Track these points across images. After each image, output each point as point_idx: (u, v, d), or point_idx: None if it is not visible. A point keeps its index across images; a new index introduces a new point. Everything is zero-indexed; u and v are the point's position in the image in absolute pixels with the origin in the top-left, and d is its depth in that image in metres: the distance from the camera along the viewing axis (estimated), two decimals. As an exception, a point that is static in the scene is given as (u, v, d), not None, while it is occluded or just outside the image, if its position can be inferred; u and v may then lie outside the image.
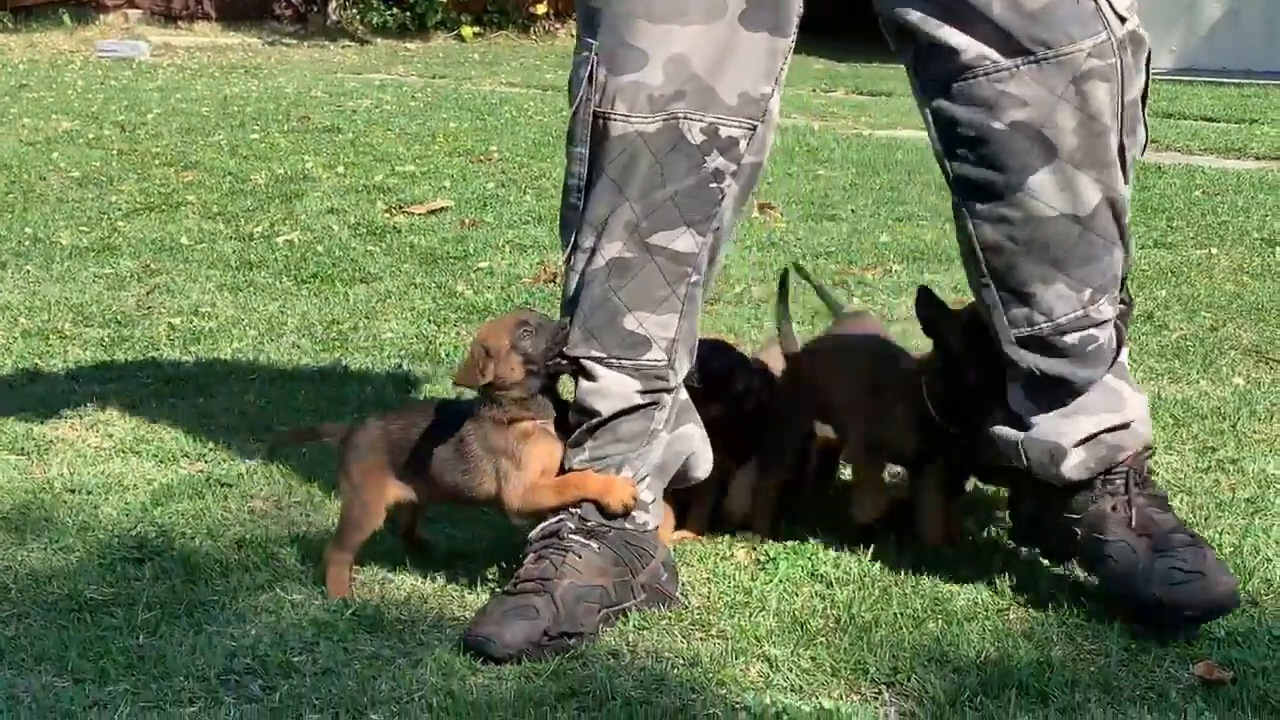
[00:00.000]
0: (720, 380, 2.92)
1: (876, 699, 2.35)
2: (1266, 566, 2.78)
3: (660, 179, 2.55)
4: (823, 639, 2.53)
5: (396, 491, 2.75)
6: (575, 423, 2.68)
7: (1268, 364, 4.33)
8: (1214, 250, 5.85)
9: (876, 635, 2.51)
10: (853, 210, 6.82)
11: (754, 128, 2.59)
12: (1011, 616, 2.61)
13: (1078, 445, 2.58)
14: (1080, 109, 2.41)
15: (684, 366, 2.71)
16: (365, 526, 2.75)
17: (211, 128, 9.70)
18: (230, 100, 11.38)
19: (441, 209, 6.83)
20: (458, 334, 4.64)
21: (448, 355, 4.37)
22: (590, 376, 2.65)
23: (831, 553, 2.90)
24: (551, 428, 2.69)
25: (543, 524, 2.67)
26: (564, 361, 2.66)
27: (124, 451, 3.53)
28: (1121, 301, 2.62)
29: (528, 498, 2.66)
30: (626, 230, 2.58)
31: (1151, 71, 2.52)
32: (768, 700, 2.29)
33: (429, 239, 6.14)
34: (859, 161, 8.28)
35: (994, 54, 2.40)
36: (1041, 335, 2.55)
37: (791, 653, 2.48)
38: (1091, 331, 2.54)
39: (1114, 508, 2.58)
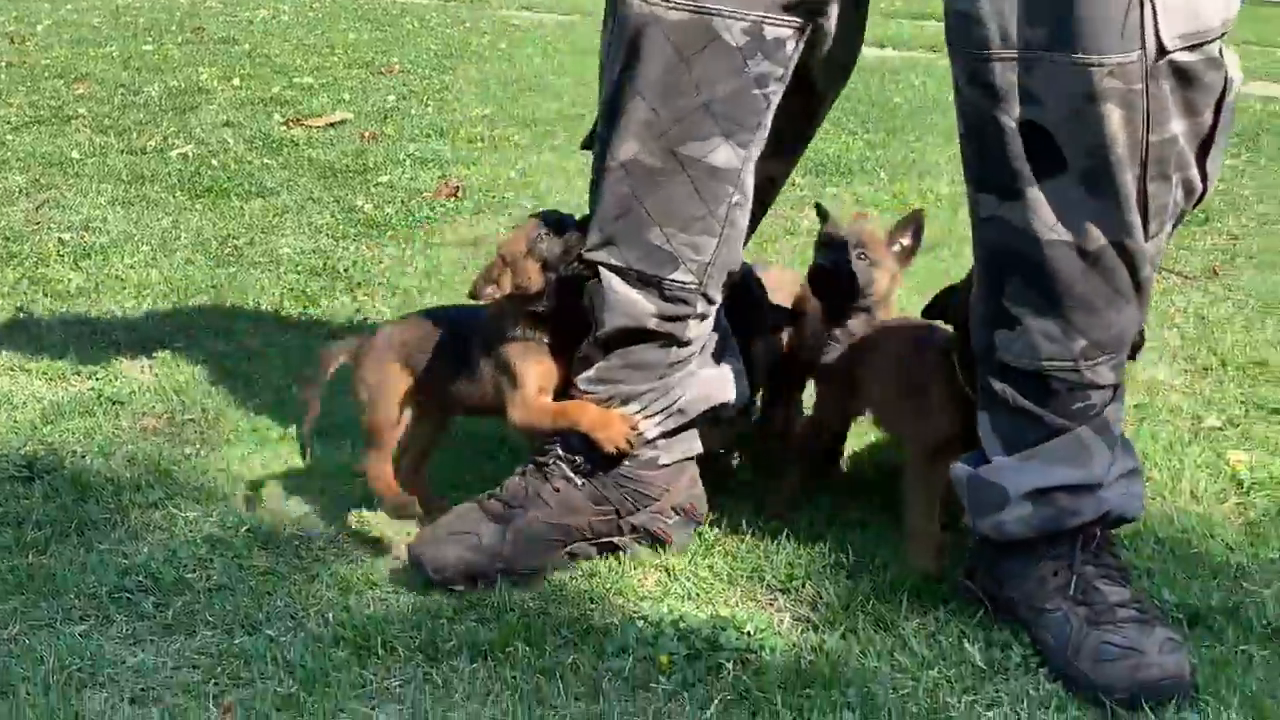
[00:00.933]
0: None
1: (772, 605, 2.38)
2: (1151, 469, 2.85)
3: (690, 82, 2.28)
4: (720, 548, 2.55)
5: (412, 396, 2.61)
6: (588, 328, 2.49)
7: (1160, 273, 4.40)
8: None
9: (773, 544, 2.54)
10: (756, 123, 6.79)
11: (803, 28, 2.31)
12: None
13: (1026, 496, 2.25)
14: (1092, 131, 2.05)
15: (718, 295, 2.47)
16: (390, 430, 2.59)
17: (103, 39, 9.44)
18: (122, 10, 11.08)
19: (340, 122, 6.71)
20: (356, 249, 4.57)
21: (345, 270, 4.31)
22: (605, 285, 2.42)
23: (730, 465, 2.92)
24: (548, 350, 2.53)
25: (545, 443, 2.56)
26: (582, 266, 2.45)
27: (12, 369, 3.45)
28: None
29: (525, 415, 2.52)
30: (645, 131, 2.32)
31: (1225, 120, 2.12)
32: (665, 609, 2.31)
33: (328, 152, 6.03)
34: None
35: (1014, 35, 2.05)
36: (1024, 370, 2.22)
37: (689, 562, 2.50)
38: (1087, 392, 2.21)
39: (1055, 573, 2.26)
